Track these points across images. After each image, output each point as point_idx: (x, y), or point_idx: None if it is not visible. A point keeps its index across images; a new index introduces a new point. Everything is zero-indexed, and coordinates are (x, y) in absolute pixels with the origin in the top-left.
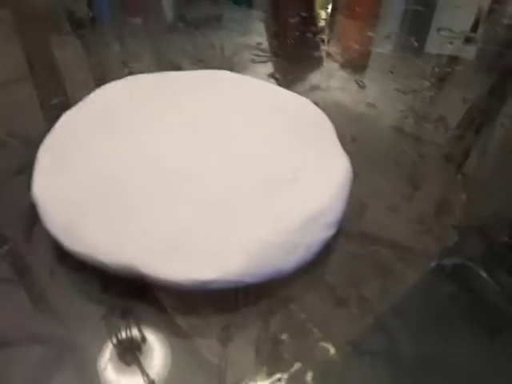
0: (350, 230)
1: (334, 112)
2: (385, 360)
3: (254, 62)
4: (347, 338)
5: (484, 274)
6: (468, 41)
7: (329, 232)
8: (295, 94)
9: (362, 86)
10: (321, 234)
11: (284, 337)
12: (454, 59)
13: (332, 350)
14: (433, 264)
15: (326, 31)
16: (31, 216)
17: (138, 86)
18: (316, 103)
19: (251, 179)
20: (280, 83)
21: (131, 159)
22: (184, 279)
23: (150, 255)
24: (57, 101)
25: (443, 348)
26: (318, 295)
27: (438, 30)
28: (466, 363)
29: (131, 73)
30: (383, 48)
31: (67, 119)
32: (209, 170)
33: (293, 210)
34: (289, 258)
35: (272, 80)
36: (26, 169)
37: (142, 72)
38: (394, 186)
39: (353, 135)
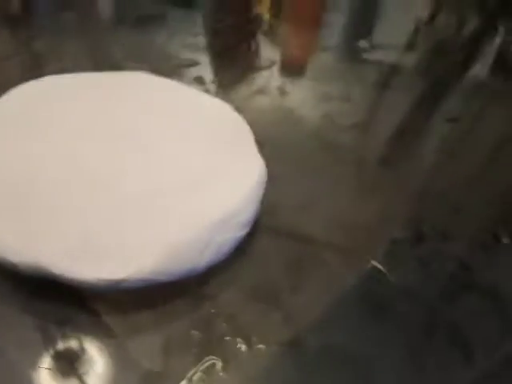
0: (265, 228)
1: (254, 116)
2: (290, 351)
3: (184, 65)
4: (256, 332)
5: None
6: (408, 48)
7: (241, 232)
8: (215, 99)
9: (284, 92)
10: (232, 233)
11: (195, 332)
12: (391, 67)
13: (241, 344)
14: (349, 259)
15: (264, 33)
16: None
17: (53, 87)
18: (237, 107)
19: (164, 180)
20: (207, 86)
21: (43, 158)
22: (94, 278)
23: (59, 255)
24: None
25: (347, 338)
26: (233, 291)
27: (374, 37)
28: (375, 355)
29: (64, 70)
30: (322, 52)
31: None
32: (122, 171)
33: (204, 210)
34: (200, 257)
35: (197, 84)
36: None
37: (73, 71)
38: (310, 188)
39: (272, 139)
